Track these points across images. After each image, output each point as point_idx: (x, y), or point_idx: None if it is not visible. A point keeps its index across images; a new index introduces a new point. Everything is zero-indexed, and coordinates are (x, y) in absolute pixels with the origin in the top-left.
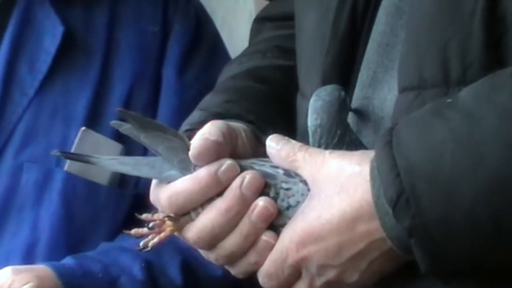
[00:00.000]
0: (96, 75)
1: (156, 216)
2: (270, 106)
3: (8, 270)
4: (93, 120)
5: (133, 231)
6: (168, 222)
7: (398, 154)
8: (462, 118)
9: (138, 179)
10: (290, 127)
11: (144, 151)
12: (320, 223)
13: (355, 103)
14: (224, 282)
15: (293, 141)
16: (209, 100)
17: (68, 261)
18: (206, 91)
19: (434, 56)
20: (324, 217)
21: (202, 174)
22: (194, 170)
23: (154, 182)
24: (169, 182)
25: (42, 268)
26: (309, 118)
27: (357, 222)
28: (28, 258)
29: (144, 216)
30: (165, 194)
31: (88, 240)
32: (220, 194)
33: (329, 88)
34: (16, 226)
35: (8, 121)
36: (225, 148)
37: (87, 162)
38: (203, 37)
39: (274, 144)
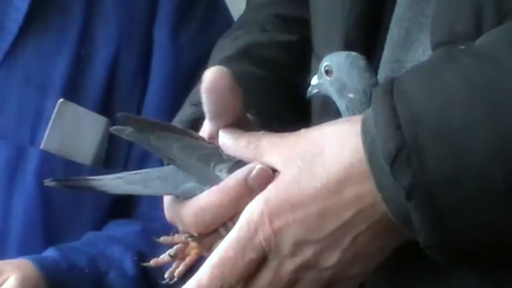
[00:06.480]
0: (75, 37)
1: (177, 238)
2: (274, 96)
3: None
4: (73, 90)
5: (153, 261)
6: (192, 244)
7: (400, 103)
8: (476, 63)
9: (127, 156)
10: (298, 118)
11: None
12: (299, 188)
13: (384, 66)
14: None
15: (250, 132)
16: None
17: (50, 253)
18: (204, 56)
19: (467, 5)
20: (304, 180)
21: (230, 183)
22: (215, 168)
23: (169, 197)
24: (186, 197)
25: (21, 262)
26: (357, 79)
27: (345, 183)
28: None
29: (163, 239)
30: (189, 211)
31: (68, 229)
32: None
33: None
34: None
35: None
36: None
37: (88, 187)
38: None
39: (229, 135)
